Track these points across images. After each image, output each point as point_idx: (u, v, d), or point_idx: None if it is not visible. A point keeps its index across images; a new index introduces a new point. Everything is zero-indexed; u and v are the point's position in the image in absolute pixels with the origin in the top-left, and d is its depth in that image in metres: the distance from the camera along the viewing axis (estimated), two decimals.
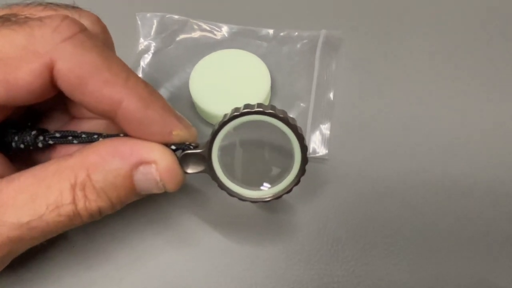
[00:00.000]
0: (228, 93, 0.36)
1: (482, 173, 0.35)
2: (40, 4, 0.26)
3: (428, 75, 0.40)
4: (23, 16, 0.24)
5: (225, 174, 0.27)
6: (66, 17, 0.23)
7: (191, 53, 0.41)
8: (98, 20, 0.28)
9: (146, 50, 0.42)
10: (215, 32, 0.43)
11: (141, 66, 0.41)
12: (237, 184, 0.27)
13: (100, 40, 0.27)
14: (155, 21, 0.43)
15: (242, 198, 0.27)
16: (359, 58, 0.41)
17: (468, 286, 0.30)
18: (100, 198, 0.24)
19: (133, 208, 0.29)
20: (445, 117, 0.38)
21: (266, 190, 0.27)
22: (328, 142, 0.36)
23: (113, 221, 0.32)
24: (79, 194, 0.23)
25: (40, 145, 0.26)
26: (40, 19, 0.23)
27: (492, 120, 0.37)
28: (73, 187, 0.23)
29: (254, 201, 0.27)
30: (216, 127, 0.26)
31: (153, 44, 0.42)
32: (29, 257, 0.30)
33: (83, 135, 0.26)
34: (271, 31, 0.42)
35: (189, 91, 0.37)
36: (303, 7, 0.45)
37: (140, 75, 0.40)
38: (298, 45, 0.42)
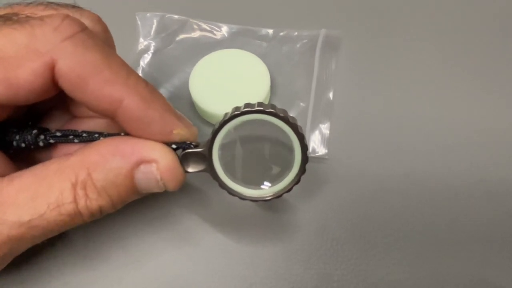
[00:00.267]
0: (228, 92, 0.36)
1: (482, 172, 0.35)
2: (41, 4, 0.26)
3: (427, 74, 0.40)
4: (24, 16, 0.24)
5: (225, 173, 0.27)
6: (67, 16, 0.23)
7: (190, 53, 0.41)
8: (99, 20, 0.28)
9: (146, 49, 0.42)
10: (215, 32, 0.43)
11: (141, 65, 0.41)
12: (238, 183, 0.27)
13: (101, 39, 0.27)
14: (155, 21, 0.43)
15: (242, 197, 0.27)
16: (358, 57, 0.42)
17: (467, 284, 0.30)
18: (101, 197, 0.24)
19: (133, 207, 0.28)
20: (445, 116, 0.38)
21: (267, 189, 0.27)
22: (327, 141, 0.36)
23: (113, 220, 0.32)
24: (80, 193, 0.23)
25: (41, 144, 0.26)
26: (41, 18, 0.23)
27: (492, 119, 0.37)
28: (74, 186, 0.23)
29: (254, 200, 0.27)
30: (217, 126, 0.26)
31: (153, 43, 0.42)
32: (29, 256, 0.30)
33: (84, 134, 0.26)
34: (270, 31, 0.42)
35: (188, 90, 0.37)
36: (303, 7, 0.45)
37: (140, 75, 0.40)
38: (298, 45, 0.42)
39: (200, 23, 0.43)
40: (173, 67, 0.41)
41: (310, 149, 0.36)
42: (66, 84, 0.23)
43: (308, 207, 0.33)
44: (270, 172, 0.28)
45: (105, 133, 0.26)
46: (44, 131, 0.27)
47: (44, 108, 0.30)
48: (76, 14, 0.26)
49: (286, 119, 0.25)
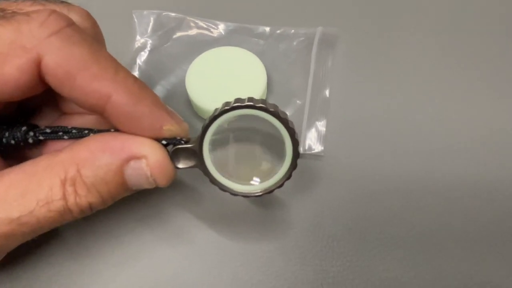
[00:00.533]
0: (225, 90, 0.36)
1: (480, 172, 0.35)
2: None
3: (424, 72, 0.40)
4: (10, 11, 0.24)
5: (216, 169, 0.27)
6: (53, 11, 0.23)
7: (187, 51, 0.41)
8: (87, 15, 0.28)
9: (142, 47, 0.42)
10: (212, 30, 0.43)
11: (137, 63, 0.41)
12: (229, 179, 0.27)
13: (90, 34, 0.27)
14: (151, 19, 0.43)
15: (233, 193, 0.27)
16: (355, 55, 0.42)
17: (461, 281, 0.30)
18: (91, 193, 0.24)
19: (125, 205, 0.29)
20: (442, 115, 0.38)
21: (258, 185, 0.27)
22: (323, 139, 0.36)
23: (106, 217, 0.32)
24: (69, 189, 0.23)
25: (30, 140, 0.26)
26: (27, 13, 0.23)
27: (491, 119, 0.37)
28: (63, 182, 0.23)
29: (245, 196, 0.27)
30: (207, 121, 0.25)
31: (150, 41, 0.42)
32: (20, 254, 0.30)
33: (74, 131, 0.26)
34: (267, 29, 0.42)
35: (185, 88, 0.37)
36: (300, 5, 0.45)
37: (136, 72, 0.40)
38: (295, 43, 0.42)
39: (197, 21, 0.43)
40: (170, 65, 0.41)
41: (306, 146, 0.35)
42: (53, 80, 0.23)
43: (304, 204, 0.33)
44: (261, 168, 0.27)
45: (95, 129, 0.26)
46: (34, 127, 0.27)
47: (34, 105, 0.29)
48: (63, 10, 0.26)
49: (276, 114, 0.25)
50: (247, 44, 0.41)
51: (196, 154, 0.26)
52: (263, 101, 0.25)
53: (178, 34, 0.43)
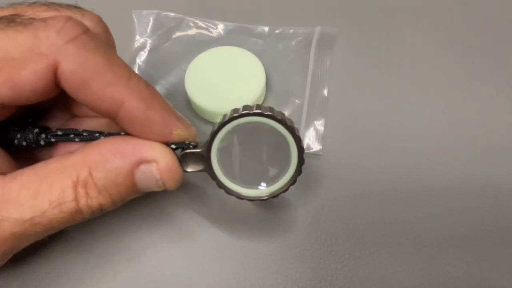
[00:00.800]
0: (224, 90, 0.37)
1: (477, 170, 0.35)
2: (43, 4, 0.26)
3: (422, 72, 0.41)
4: (27, 17, 0.24)
5: (223, 173, 0.27)
6: (70, 18, 0.24)
7: (187, 50, 0.42)
8: (100, 21, 0.28)
9: (142, 47, 0.42)
10: (211, 30, 0.43)
11: (137, 63, 0.41)
12: (235, 183, 0.28)
13: (102, 40, 0.27)
14: (151, 19, 0.43)
15: (239, 197, 0.28)
16: (353, 54, 0.42)
17: (459, 278, 0.31)
18: (102, 195, 0.24)
19: (131, 205, 0.29)
20: (440, 114, 0.38)
21: (263, 189, 0.28)
22: (322, 138, 0.37)
23: (111, 217, 0.32)
24: (81, 191, 0.24)
25: (42, 142, 0.27)
26: (44, 20, 0.23)
27: (491, 119, 0.38)
28: (75, 184, 0.24)
29: (251, 200, 0.28)
30: (215, 127, 0.26)
31: (149, 41, 0.42)
32: (27, 252, 0.30)
33: (85, 133, 0.27)
34: (266, 29, 0.43)
35: (184, 88, 0.37)
36: (298, 4, 0.46)
37: (136, 72, 0.40)
38: (293, 42, 0.42)
39: (196, 21, 0.43)
40: (169, 65, 0.41)
41: (304, 145, 0.36)
42: (68, 86, 0.24)
43: (303, 203, 0.34)
44: (267, 173, 0.28)
45: (106, 132, 0.27)
46: (45, 129, 0.27)
47: (45, 107, 0.30)
48: (77, 15, 0.26)
49: (283, 122, 0.26)
50: (246, 44, 0.42)
51: (204, 158, 0.27)
52: (271, 108, 0.26)
53: (178, 34, 0.43)
